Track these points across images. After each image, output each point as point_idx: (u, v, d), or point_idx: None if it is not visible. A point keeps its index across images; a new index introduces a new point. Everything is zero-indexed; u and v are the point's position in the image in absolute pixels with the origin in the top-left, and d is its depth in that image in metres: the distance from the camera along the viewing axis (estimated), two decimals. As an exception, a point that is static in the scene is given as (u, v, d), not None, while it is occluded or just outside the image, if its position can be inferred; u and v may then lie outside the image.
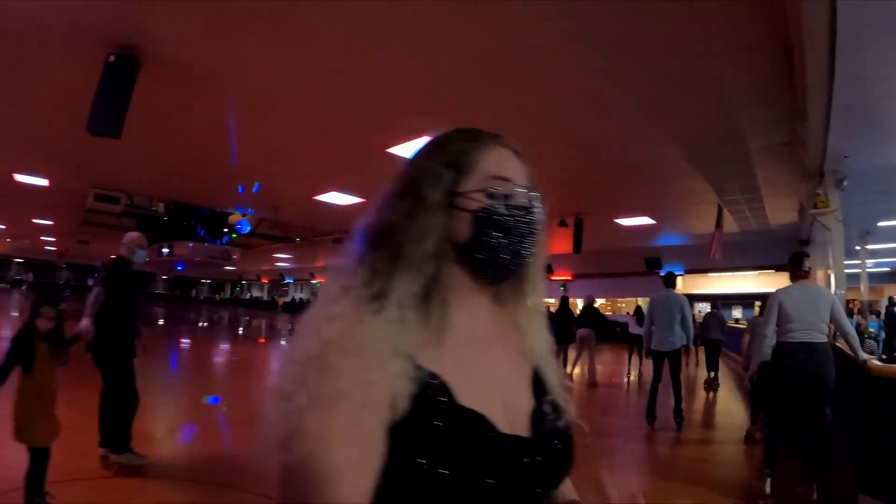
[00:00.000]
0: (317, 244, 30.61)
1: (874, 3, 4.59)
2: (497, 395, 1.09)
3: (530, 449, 1.06)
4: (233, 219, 21.29)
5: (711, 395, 12.58)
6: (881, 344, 11.14)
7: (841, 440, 7.00)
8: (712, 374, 13.47)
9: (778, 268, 24.24)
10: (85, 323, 5.32)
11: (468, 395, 1.02)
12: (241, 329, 30.07)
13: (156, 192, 20.50)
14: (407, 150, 10.79)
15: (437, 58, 7.59)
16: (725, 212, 16.14)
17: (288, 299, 58.81)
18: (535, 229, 1.20)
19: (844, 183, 9.69)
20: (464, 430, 0.99)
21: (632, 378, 15.10)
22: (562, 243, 20.53)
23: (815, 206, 9.99)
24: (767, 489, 5.64)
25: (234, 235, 26.76)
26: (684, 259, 27.28)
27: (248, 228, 22.79)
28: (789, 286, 5.90)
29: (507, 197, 1.17)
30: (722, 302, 19.14)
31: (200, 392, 9.47)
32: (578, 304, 25.93)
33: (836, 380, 5.66)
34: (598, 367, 14.44)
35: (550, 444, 1.11)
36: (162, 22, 6.99)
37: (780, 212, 15.97)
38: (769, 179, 12.53)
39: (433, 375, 1.01)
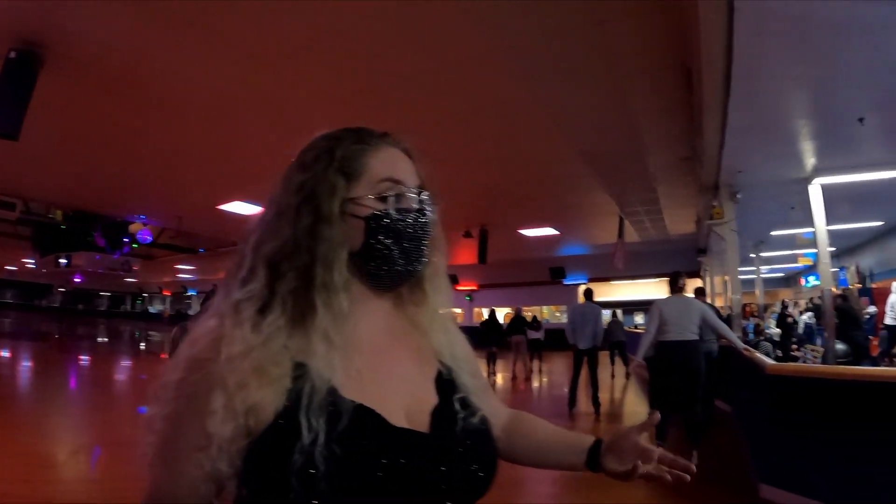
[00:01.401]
0: (221, 255, 29.70)
1: (769, 32, 4.91)
2: (395, 394, 1.09)
3: (428, 445, 1.05)
4: (133, 228, 20.45)
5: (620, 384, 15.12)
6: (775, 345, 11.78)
7: (743, 432, 7.53)
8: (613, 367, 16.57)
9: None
10: None
11: (359, 393, 1.03)
12: (142, 344, 29.09)
13: (54, 199, 19.34)
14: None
15: (350, 70, 7.51)
16: (627, 223, 16.59)
17: (173, 312, 57.42)
18: (427, 231, 1.19)
19: (739, 196, 10.12)
20: (352, 423, 0.98)
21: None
22: (467, 254, 20.62)
23: (712, 218, 10.36)
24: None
25: (134, 245, 25.86)
26: (587, 268, 27.79)
27: (150, 238, 22.10)
28: (668, 297, 7.51)
29: (398, 199, 1.15)
30: (624, 309, 19.80)
31: (101, 413, 9.20)
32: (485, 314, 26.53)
33: (706, 370, 7.36)
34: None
35: (457, 442, 1.08)
36: (69, 17, 6.44)
37: (679, 223, 16.48)
38: (668, 193, 12.97)
39: (322, 377, 1.01)
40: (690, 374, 7.04)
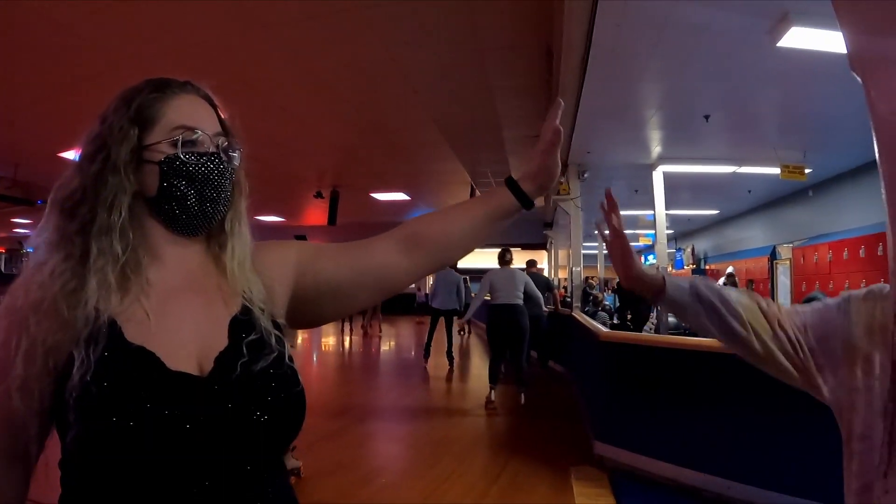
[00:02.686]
0: None
1: (630, 24, 5.19)
2: (184, 338, 1.09)
3: (201, 389, 1.03)
4: None
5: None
6: (614, 315, 12.50)
7: (581, 395, 8.07)
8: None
9: (524, 246, 25.80)
10: None
11: (143, 336, 1.04)
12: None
13: None
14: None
15: (206, 15, 7.08)
16: (477, 192, 16.77)
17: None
18: (224, 174, 1.21)
19: (586, 175, 10.59)
20: (127, 366, 1.00)
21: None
22: (318, 214, 20.32)
23: (558, 193, 10.85)
24: (493, 397, 8.52)
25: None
26: (436, 234, 28.22)
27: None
28: (496, 269, 9.13)
29: (192, 144, 1.17)
30: (471, 276, 20.30)
31: None
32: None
33: (537, 332, 9.70)
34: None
35: (234, 386, 1.06)
36: None
37: (528, 196, 16.83)
38: (520, 166, 12.84)
39: (109, 322, 1.04)
40: (516, 331, 8.73)
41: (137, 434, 0.94)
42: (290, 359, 1.18)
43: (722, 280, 14.75)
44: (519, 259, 16.36)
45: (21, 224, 39.58)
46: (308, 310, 1.37)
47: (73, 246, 1.10)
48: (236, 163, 1.26)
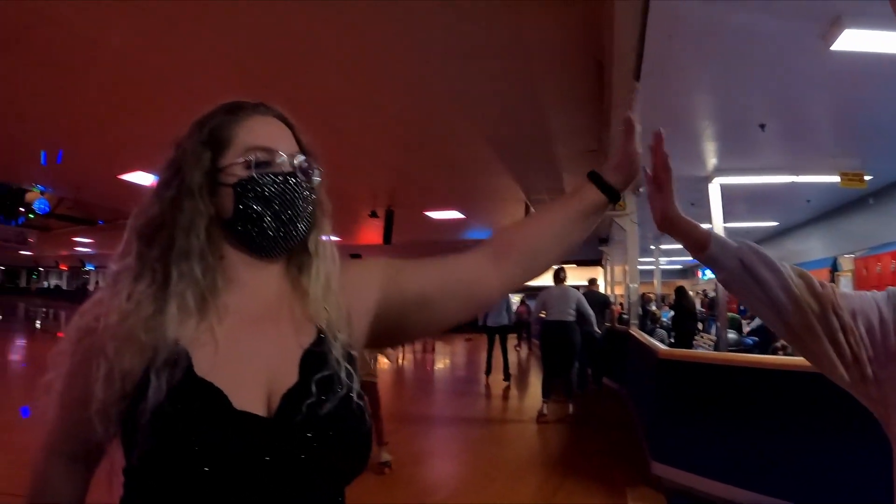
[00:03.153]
0: (121, 228, 27.84)
1: (680, 34, 5.10)
2: (253, 370, 1.07)
3: (265, 429, 1.01)
4: (30, 197, 19.19)
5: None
6: (671, 332, 12.32)
7: (638, 413, 7.89)
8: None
9: (580, 263, 25.57)
10: None
11: (210, 367, 1.02)
12: (38, 322, 27.72)
13: None
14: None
15: (258, 42, 7.25)
16: (532, 209, 16.57)
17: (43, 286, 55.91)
18: (301, 194, 1.19)
19: (641, 189, 10.39)
20: (194, 401, 0.99)
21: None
22: (372, 234, 20.36)
23: (614, 209, 10.71)
24: (545, 410, 8.82)
25: (31, 215, 24.60)
26: (493, 253, 28.16)
27: (48, 208, 21.10)
28: (550, 287, 9.58)
29: (266, 164, 1.16)
30: (527, 293, 20.21)
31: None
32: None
33: (581, 345, 9.55)
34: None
35: (299, 428, 1.02)
36: None
37: (583, 212, 16.63)
38: (574, 182, 12.97)
39: (182, 350, 1.03)
40: (567, 346, 9.15)
41: (200, 471, 0.94)
42: (360, 395, 1.15)
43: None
44: (575, 276, 16.69)
45: (82, 243, 40.84)
46: (393, 326, 1.33)
47: (154, 272, 1.10)
48: (315, 182, 1.24)
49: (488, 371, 12.87)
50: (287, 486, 1.00)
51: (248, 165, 1.15)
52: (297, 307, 1.20)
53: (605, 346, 11.50)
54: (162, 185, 1.16)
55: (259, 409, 1.03)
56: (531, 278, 1.44)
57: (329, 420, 1.05)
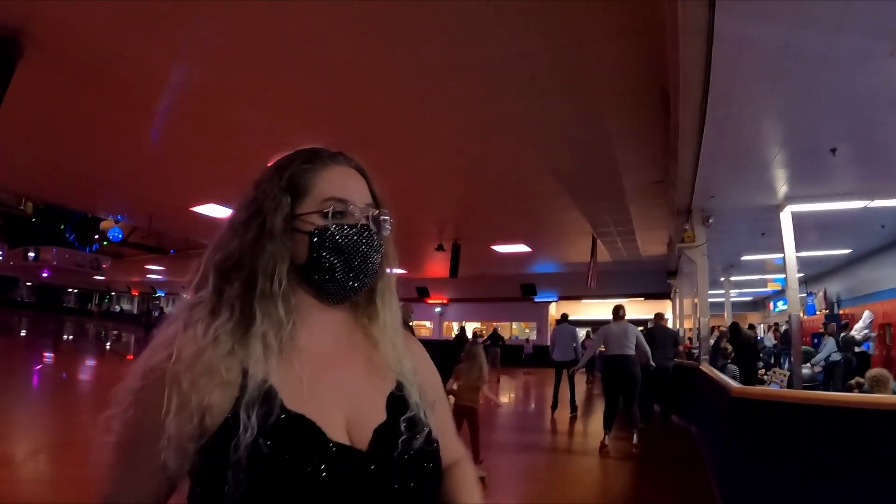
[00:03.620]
0: (191, 257, 28.71)
1: (747, 61, 4.99)
2: (338, 405, 1.13)
3: (363, 462, 1.07)
4: (105, 225, 19.99)
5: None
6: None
7: (708, 453, 7.61)
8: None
9: (647, 296, 25.22)
10: None
11: (299, 401, 1.08)
12: (108, 344, 28.52)
13: (26, 191, 18.99)
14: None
15: (327, 78, 7.44)
16: (599, 243, 16.61)
17: (106, 309, 58.03)
18: (374, 247, 1.24)
19: (710, 220, 10.19)
20: (290, 434, 1.04)
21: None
22: (439, 267, 20.57)
23: (683, 241, 10.40)
24: (607, 441, 9.00)
25: (105, 243, 25.41)
26: (558, 286, 27.99)
27: (121, 236, 21.77)
28: (611, 323, 9.82)
29: (341, 215, 1.21)
30: (594, 328, 19.93)
31: (65, 412, 8.98)
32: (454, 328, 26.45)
33: (642, 377, 9.58)
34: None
35: (394, 463, 1.09)
36: (50, 6, 6.28)
37: (651, 244, 16.55)
38: (641, 214, 13.07)
39: (267, 386, 1.07)
40: (628, 380, 9.30)
41: (302, 500, 0.99)
42: (435, 437, 1.21)
43: (861, 325, 13.89)
44: (643, 310, 16.70)
45: (153, 270, 42.27)
46: None
47: (233, 309, 1.14)
48: (386, 233, 1.29)
49: (555, 405, 12.79)
50: None
51: (324, 215, 1.20)
52: (372, 353, 1.27)
53: (673, 382, 11.48)
54: (241, 224, 1.20)
55: (347, 440, 1.10)
56: None
57: (420, 456, 1.14)
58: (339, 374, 1.19)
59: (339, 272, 1.19)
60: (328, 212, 1.20)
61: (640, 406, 9.92)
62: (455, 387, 6.97)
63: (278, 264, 1.16)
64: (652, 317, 12.89)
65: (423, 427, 1.18)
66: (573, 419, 12.18)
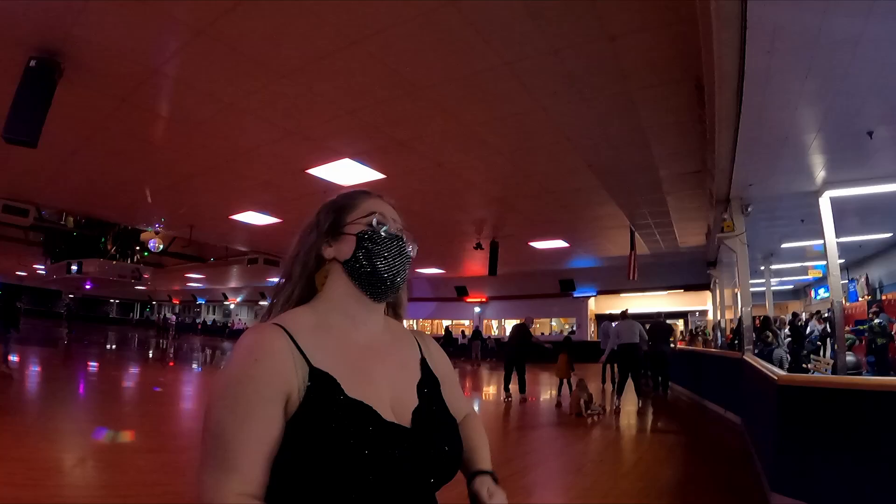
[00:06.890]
0: (231, 265, 29.68)
1: (780, 48, 4.98)
2: (384, 393, 1.37)
3: (410, 438, 1.32)
4: (145, 236, 20.36)
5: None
6: (788, 355, 11.88)
7: (754, 442, 7.57)
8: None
9: (686, 287, 24.96)
10: None
11: (357, 390, 1.31)
12: (150, 352, 28.72)
13: (67, 206, 19.30)
14: (327, 171, 10.64)
15: (365, 82, 7.51)
16: (637, 235, 16.57)
17: (153, 317, 59.48)
18: (405, 254, 1.53)
19: (749, 208, 10.11)
20: (352, 417, 1.25)
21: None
22: (477, 266, 20.55)
23: (722, 231, 10.35)
24: (617, 403, 12.51)
25: (145, 253, 25.85)
26: (597, 281, 27.75)
27: (161, 247, 22.05)
28: (620, 322, 13.73)
29: (383, 224, 1.50)
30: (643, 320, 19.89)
31: (110, 420, 9.03)
32: (493, 326, 26.40)
33: (655, 361, 14.95)
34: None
35: (432, 435, 1.37)
36: (88, 27, 6.42)
37: (689, 235, 16.43)
38: (678, 205, 12.99)
39: (328, 376, 1.29)
40: (633, 361, 13.24)
41: (360, 474, 1.19)
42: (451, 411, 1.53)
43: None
44: (682, 301, 17.69)
45: (194, 279, 42.77)
46: None
47: (305, 312, 1.44)
48: (411, 255, 1.57)
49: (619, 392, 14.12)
50: (426, 475, 1.32)
51: (369, 222, 1.49)
52: (398, 347, 1.56)
53: (672, 363, 15.51)
54: (301, 235, 1.55)
55: (394, 420, 1.33)
56: None
57: (448, 427, 1.45)
58: (380, 364, 1.44)
59: (381, 267, 1.46)
60: (372, 218, 1.50)
61: (647, 379, 15.37)
62: None
63: (327, 262, 1.50)
64: (691, 309, 15.70)
65: (444, 405, 1.50)
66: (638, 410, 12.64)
